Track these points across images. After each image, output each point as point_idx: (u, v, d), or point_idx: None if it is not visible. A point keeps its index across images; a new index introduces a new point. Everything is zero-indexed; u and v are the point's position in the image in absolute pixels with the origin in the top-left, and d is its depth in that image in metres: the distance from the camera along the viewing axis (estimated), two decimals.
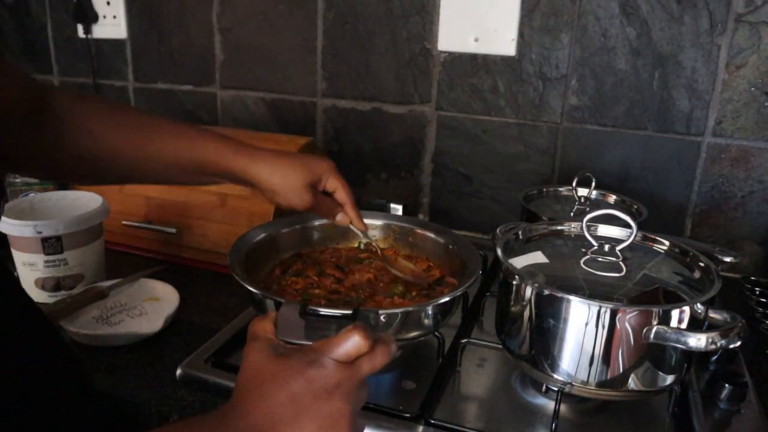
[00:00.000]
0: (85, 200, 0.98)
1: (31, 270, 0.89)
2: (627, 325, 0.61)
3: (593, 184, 1.04)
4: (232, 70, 1.37)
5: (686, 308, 0.61)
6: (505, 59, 1.16)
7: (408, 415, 0.67)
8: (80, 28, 1.45)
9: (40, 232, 0.87)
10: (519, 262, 0.72)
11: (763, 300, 0.99)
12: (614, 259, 0.70)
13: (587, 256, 0.71)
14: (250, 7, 1.31)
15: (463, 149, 1.24)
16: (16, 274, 0.90)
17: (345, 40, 1.26)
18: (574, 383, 0.65)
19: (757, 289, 1.03)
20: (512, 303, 0.69)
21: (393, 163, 1.30)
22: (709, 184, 1.10)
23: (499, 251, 0.73)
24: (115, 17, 1.42)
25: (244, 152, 0.71)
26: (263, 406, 0.45)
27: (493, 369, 0.79)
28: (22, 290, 0.55)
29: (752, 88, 1.04)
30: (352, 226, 0.83)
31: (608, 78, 1.11)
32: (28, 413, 0.49)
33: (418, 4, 1.18)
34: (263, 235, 0.87)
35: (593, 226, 0.78)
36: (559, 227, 0.81)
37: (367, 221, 0.96)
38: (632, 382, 0.63)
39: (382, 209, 1.21)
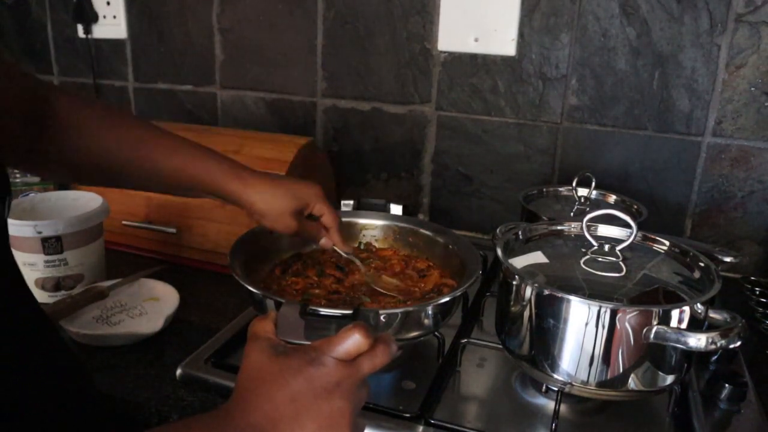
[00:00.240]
0: (85, 200, 0.98)
1: (31, 270, 0.89)
2: (627, 325, 0.61)
3: (593, 184, 1.04)
4: (232, 70, 1.37)
5: (686, 308, 0.61)
6: (505, 59, 1.16)
7: (408, 415, 0.67)
8: (80, 28, 1.45)
9: (40, 232, 0.87)
10: (519, 262, 0.72)
11: (763, 300, 0.99)
12: (614, 259, 0.70)
13: (587, 256, 0.71)
14: (250, 7, 1.31)
15: (463, 149, 1.24)
16: None
17: (345, 40, 1.26)
18: (574, 383, 0.65)
19: (757, 289, 1.03)
20: (512, 303, 0.69)
21: (393, 163, 1.30)
22: (709, 184, 1.10)
23: (499, 251, 0.73)
24: (115, 17, 1.42)
25: (234, 175, 0.73)
26: (263, 405, 0.45)
27: (493, 369, 0.79)
28: (26, 289, 0.55)
29: (752, 88, 1.04)
30: (336, 248, 0.83)
31: (608, 78, 1.11)
32: (29, 413, 0.49)
33: (418, 4, 1.18)
34: (263, 235, 0.87)
35: (593, 226, 0.78)
36: (559, 227, 0.81)
37: (367, 221, 0.97)
38: (632, 382, 0.63)
39: (382, 209, 1.21)
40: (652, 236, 0.77)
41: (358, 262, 0.85)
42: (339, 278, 0.85)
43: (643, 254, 0.74)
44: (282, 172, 1.04)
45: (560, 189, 1.11)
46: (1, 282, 0.50)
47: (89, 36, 1.46)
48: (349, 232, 0.95)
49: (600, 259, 0.71)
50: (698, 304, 0.62)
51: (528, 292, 0.67)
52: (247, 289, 0.72)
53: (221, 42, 1.36)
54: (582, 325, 0.62)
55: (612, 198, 1.07)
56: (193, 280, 1.01)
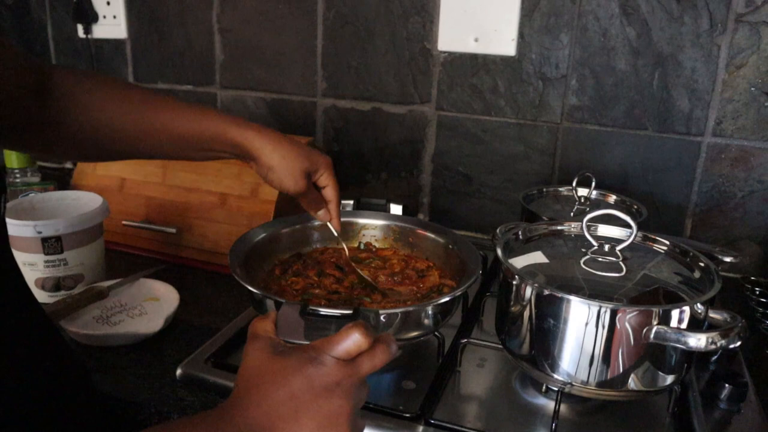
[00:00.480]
0: (85, 200, 0.98)
1: (31, 270, 0.89)
2: (627, 325, 0.61)
3: (593, 184, 1.04)
4: (232, 70, 1.37)
5: (686, 308, 0.61)
6: (505, 59, 1.16)
7: (408, 415, 0.67)
8: (80, 28, 1.45)
9: (40, 232, 0.87)
10: (519, 262, 0.72)
11: (763, 300, 0.99)
12: (614, 259, 0.70)
13: (587, 256, 0.71)
14: (250, 7, 1.31)
15: (463, 149, 1.24)
16: None
17: (345, 40, 1.26)
18: (574, 383, 0.65)
19: (757, 289, 1.03)
20: (512, 303, 0.69)
21: (393, 163, 1.30)
22: (709, 184, 1.10)
23: (499, 251, 0.73)
24: (115, 17, 1.42)
25: (247, 125, 0.73)
26: (263, 404, 0.45)
27: (493, 369, 0.79)
28: (27, 289, 0.55)
29: (752, 88, 1.04)
30: (329, 224, 0.85)
31: (608, 78, 1.11)
32: (29, 413, 0.49)
33: (418, 4, 1.18)
34: (263, 235, 0.87)
35: (593, 226, 0.78)
36: (559, 227, 0.81)
37: (367, 221, 0.97)
38: (632, 382, 0.63)
39: (382, 209, 1.21)
40: (652, 236, 0.77)
41: (343, 245, 0.88)
42: (339, 278, 0.85)
43: (643, 254, 0.74)
44: None
45: (560, 189, 1.11)
46: (1, 282, 0.50)
47: (89, 36, 1.46)
48: (349, 232, 0.95)
49: (600, 259, 0.70)
50: (698, 304, 0.62)
51: (528, 292, 0.67)
52: (247, 289, 0.72)
53: (221, 42, 1.36)
54: (582, 325, 0.62)
55: (612, 198, 1.07)
56: (193, 280, 1.01)
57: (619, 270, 0.69)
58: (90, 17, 1.43)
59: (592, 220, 0.72)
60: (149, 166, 1.11)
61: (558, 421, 0.66)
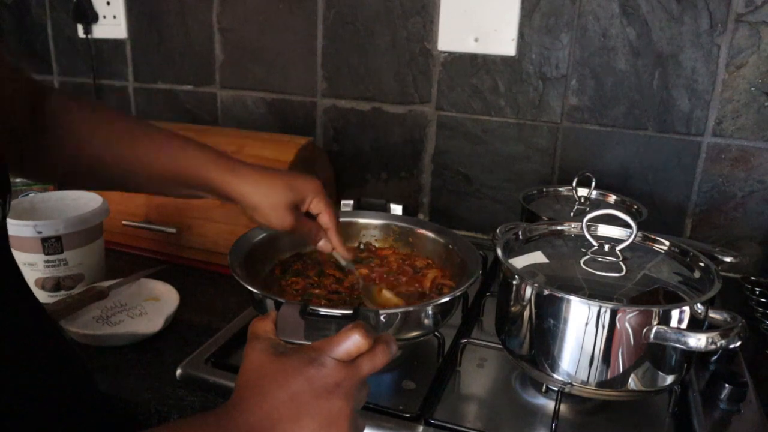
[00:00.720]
0: (85, 200, 0.98)
1: (31, 270, 0.89)
2: (627, 325, 0.61)
3: (593, 184, 1.04)
4: (232, 70, 1.37)
5: (686, 308, 0.61)
6: (505, 59, 1.16)
7: (408, 415, 0.67)
8: (80, 28, 1.45)
9: (40, 232, 0.87)
10: (519, 262, 0.72)
11: (763, 300, 0.99)
12: (614, 259, 0.70)
13: (587, 256, 0.71)
14: (250, 7, 1.31)
15: (463, 149, 1.24)
16: None
17: (345, 40, 1.26)
18: (574, 383, 0.65)
19: (757, 289, 1.03)
20: (512, 303, 0.69)
21: (393, 163, 1.30)
22: (709, 184, 1.10)
23: (499, 251, 0.73)
24: (115, 17, 1.42)
25: (225, 166, 0.69)
26: (263, 404, 0.45)
27: (493, 369, 0.79)
28: (28, 289, 0.55)
29: (752, 88, 1.04)
30: (335, 254, 0.79)
31: (608, 78, 1.11)
32: (31, 413, 0.49)
33: (418, 4, 1.18)
34: (263, 235, 0.87)
35: (593, 226, 0.78)
36: (559, 227, 0.81)
37: (366, 221, 0.97)
38: (632, 382, 0.63)
39: (382, 209, 1.21)
40: (652, 236, 0.77)
41: (356, 274, 0.82)
42: (339, 278, 0.85)
43: (643, 254, 0.74)
44: None
45: (560, 189, 1.11)
46: (1, 282, 0.50)
47: (89, 36, 1.46)
48: (348, 232, 0.95)
49: (600, 259, 0.70)
50: (698, 304, 0.62)
51: (528, 292, 0.67)
52: (247, 289, 0.72)
53: (221, 42, 1.36)
54: (582, 325, 0.62)
55: (612, 198, 1.07)
56: (193, 280, 1.01)
57: (619, 270, 0.69)
58: (90, 17, 1.43)
59: (592, 220, 0.72)
60: None
61: (558, 421, 0.66)
